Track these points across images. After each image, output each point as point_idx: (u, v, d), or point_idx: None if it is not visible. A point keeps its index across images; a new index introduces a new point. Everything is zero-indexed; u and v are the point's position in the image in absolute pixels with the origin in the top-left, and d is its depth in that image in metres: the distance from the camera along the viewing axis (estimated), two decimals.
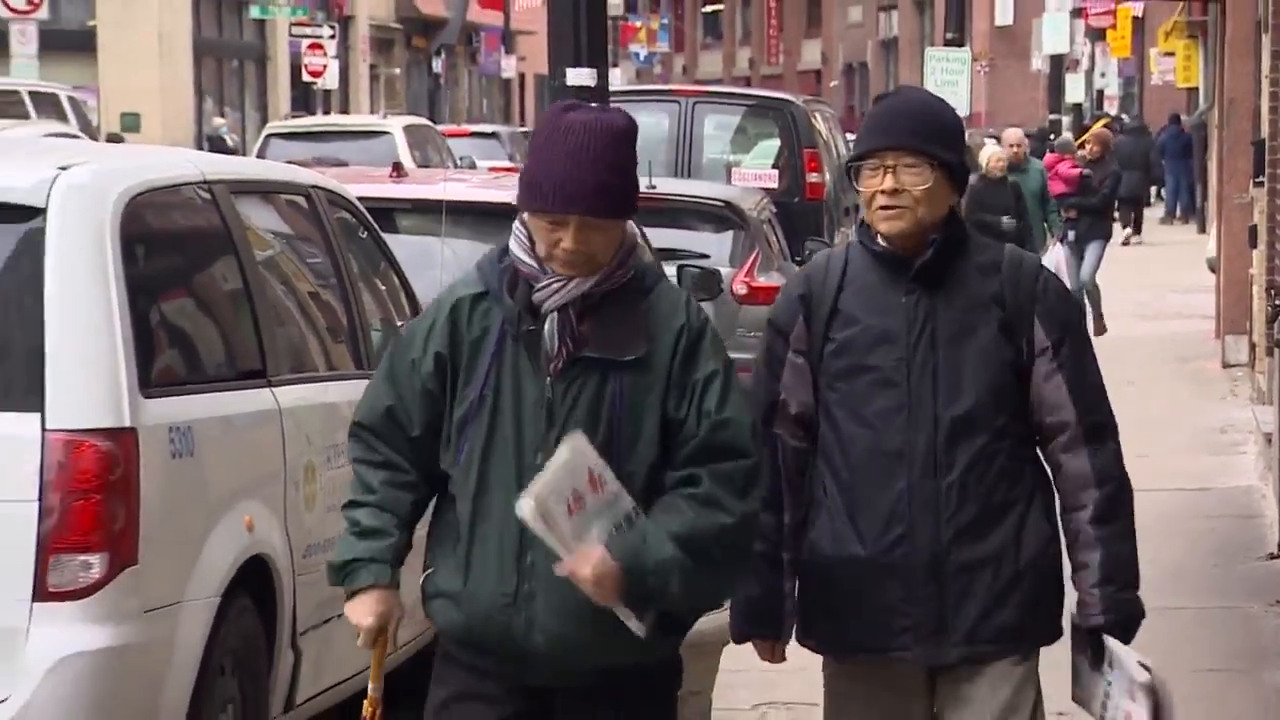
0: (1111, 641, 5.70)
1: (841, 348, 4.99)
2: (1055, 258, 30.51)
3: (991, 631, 4.96)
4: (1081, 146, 33.93)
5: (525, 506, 4.92)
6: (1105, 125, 42.42)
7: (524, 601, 5.15)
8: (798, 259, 25.25)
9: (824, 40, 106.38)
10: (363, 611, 5.31)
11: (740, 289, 19.91)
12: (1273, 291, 15.98)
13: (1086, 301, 30.30)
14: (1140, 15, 50.88)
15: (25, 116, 32.69)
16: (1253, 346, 22.02)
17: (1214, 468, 18.12)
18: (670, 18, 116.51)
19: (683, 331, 5.27)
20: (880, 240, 4.99)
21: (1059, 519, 5.76)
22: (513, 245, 5.23)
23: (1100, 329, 29.95)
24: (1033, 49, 57.48)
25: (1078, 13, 50.20)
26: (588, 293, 5.27)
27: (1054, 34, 50.30)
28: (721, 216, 19.86)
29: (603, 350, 5.24)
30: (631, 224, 5.45)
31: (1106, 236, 31.21)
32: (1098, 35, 54.60)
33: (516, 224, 5.28)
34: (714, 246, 19.08)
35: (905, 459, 4.92)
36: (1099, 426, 5.03)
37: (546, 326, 5.24)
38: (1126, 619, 5.04)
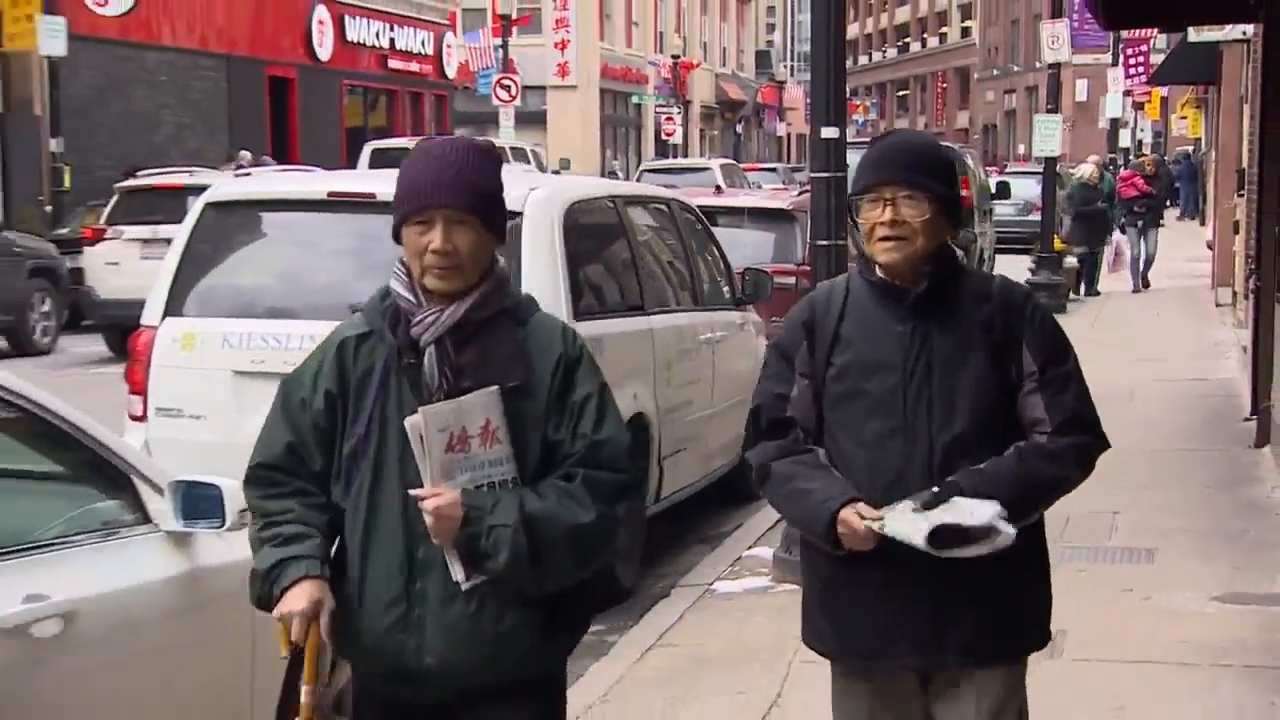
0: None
1: (841, 372, 3.90)
2: (1116, 239, 29.78)
3: (983, 642, 3.87)
4: (1144, 169, 33.12)
5: (412, 419, 3.83)
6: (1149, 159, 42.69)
7: (414, 626, 3.91)
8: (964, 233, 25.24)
9: (970, 110, 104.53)
10: (294, 599, 3.91)
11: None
12: (1249, 260, 16.17)
13: (1143, 264, 29.40)
14: (1165, 95, 52.29)
15: (507, 161, 32.89)
16: (1234, 294, 22.06)
17: (1209, 367, 17.87)
18: (878, 98, 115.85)
19: (560, 360, 4.01)
20: (879, 271, 3.95)
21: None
22: (393, 283, 4.02)
23: (1146, 284, 29.00)
24: (1099, 115, 57.75)
25: (1127, 93, 50.77)
26: (462, 320, 3.96)
27: (1112, 106, 50.51)
28: (778, 220, 16.59)
29: (481, 379, 3.95)
30: (501, 261, 4.18)
31: (1160, 224, 30.35)
32: (1139, 106, 55.93)
33: (397, 262, 4.06)
34: (771, 247, 16.02)
35: (901, 480, 3.85)
36: (1067, 424, 3.86)
37: (425, 359, 3.96)
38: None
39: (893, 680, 4.10)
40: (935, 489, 3.95)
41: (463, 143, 4.08)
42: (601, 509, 3.81)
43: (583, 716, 7.10)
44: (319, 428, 3.95)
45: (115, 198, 23.02)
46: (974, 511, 3.94)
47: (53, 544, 4.89)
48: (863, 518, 3.97)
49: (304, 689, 3.96)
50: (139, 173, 25.44)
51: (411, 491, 3.76)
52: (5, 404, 5.01)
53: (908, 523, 3.96)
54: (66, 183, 28.09)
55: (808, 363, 4.15)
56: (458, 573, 3.75)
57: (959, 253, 3.87)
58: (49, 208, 27.99)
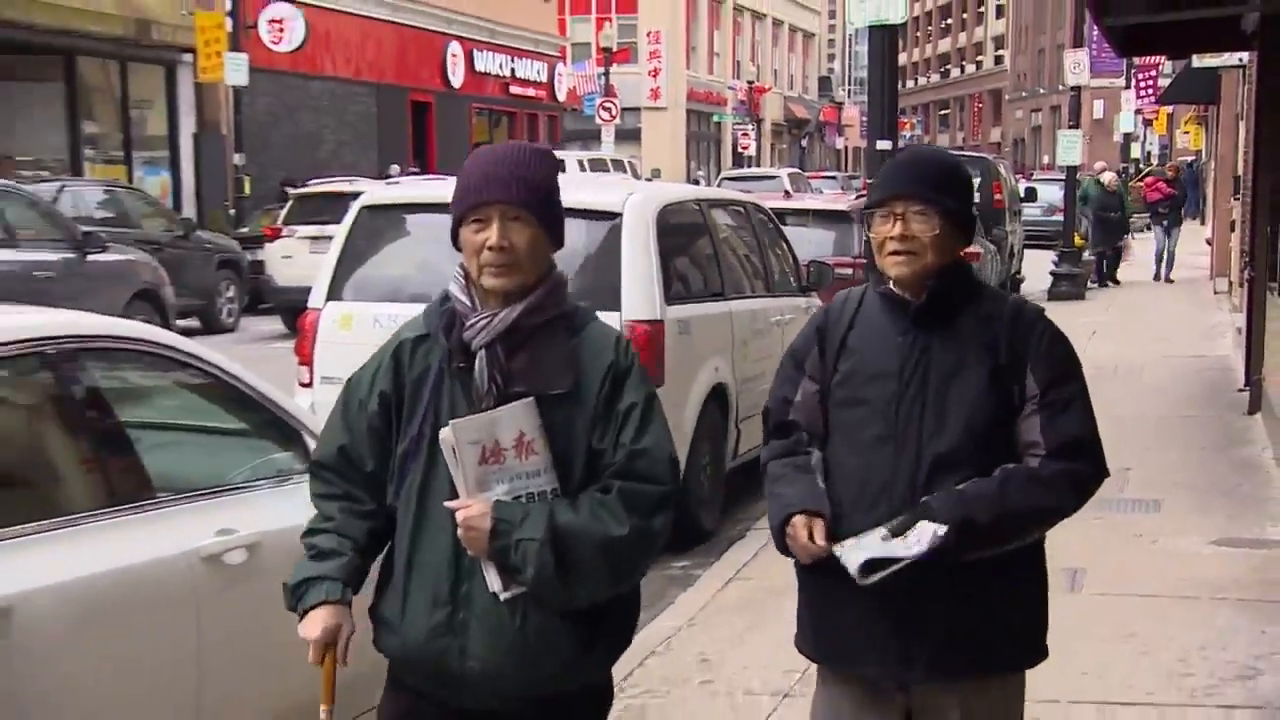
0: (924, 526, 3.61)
1: (844, 379, 3.40)
2: (1126, 239, 29.98)
3: (952, 657, 3.27)
4: (1166, 175, 32.70)
5: (443, 431, 3.32)
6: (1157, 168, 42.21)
7: (459, 629, 3.39)
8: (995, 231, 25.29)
9: (1001, 127, 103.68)
10: (311, 626, 3.53)
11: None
12: (1243, 255, 15.97)
13: (1167, 259, 28.72)
14: (1171, 113, 51.68)
15: (608, 170, 32.67)
16: (1230, 283, 21.91)
17: (1208, 346, 17.67)
18: (923, 117, 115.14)
19: (610, 368, 3.44)
20: (889, 283, 3.43)
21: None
22: (451, 286, 3.49)
23: (1170, 280, 28.23)
24: (1113, 130, 57.25)
25: (1138, 111, 50.11)
26: (514, 325, 3.40)
27: (1125, 123, 50.27)
28: (838, 219, 16.34)
29: (531, 385, 3.41)
30: (559, 268, 3.56)
31: (1180, 223, 29.87)
32: (1148, 122, 55.16)
33: (456, 267, 3.53)
34: (832, 242, 15.66)
35: (888, 489, 3.32)
36: (1065, 446, 3.26)
37: (476, 364, 3.43)
38: (951, 525, 3.16)
39: (875, 688, 3.46)
40: (903, 516, 3.36)
41: (517, 144, 3.55)
42: (636, 522, 3.21)
43: (673, 637, 7.15)
44: (374, 429, 3.47)
45: (290, 202, 23.39)
46: (918, 540, 3.34)
47: (239, 488, 5.02)
48: (817, 536, 3.43)
49: (322, 710, 3.50)
50: (301, 182, 25.94)
51: (446, 503, 3.25)
52: (201, 372, 5.13)
53: (858, 552, 3.39)
54: (247, 190, 28.40)
55: (818, 367, 3.62)
56: (494, 583, 3.22)
57: (975, 269, 3.40)
58: (232, 211, 28.21)
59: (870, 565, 3.33)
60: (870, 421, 3.42)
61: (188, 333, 19.73)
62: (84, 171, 26.70)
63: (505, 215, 3.22)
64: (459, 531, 3.19)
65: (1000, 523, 3.21)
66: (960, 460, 3.28)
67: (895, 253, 3.30)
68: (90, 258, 16.54)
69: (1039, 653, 3.50)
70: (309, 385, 9.00)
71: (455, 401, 3.31)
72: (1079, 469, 3.31)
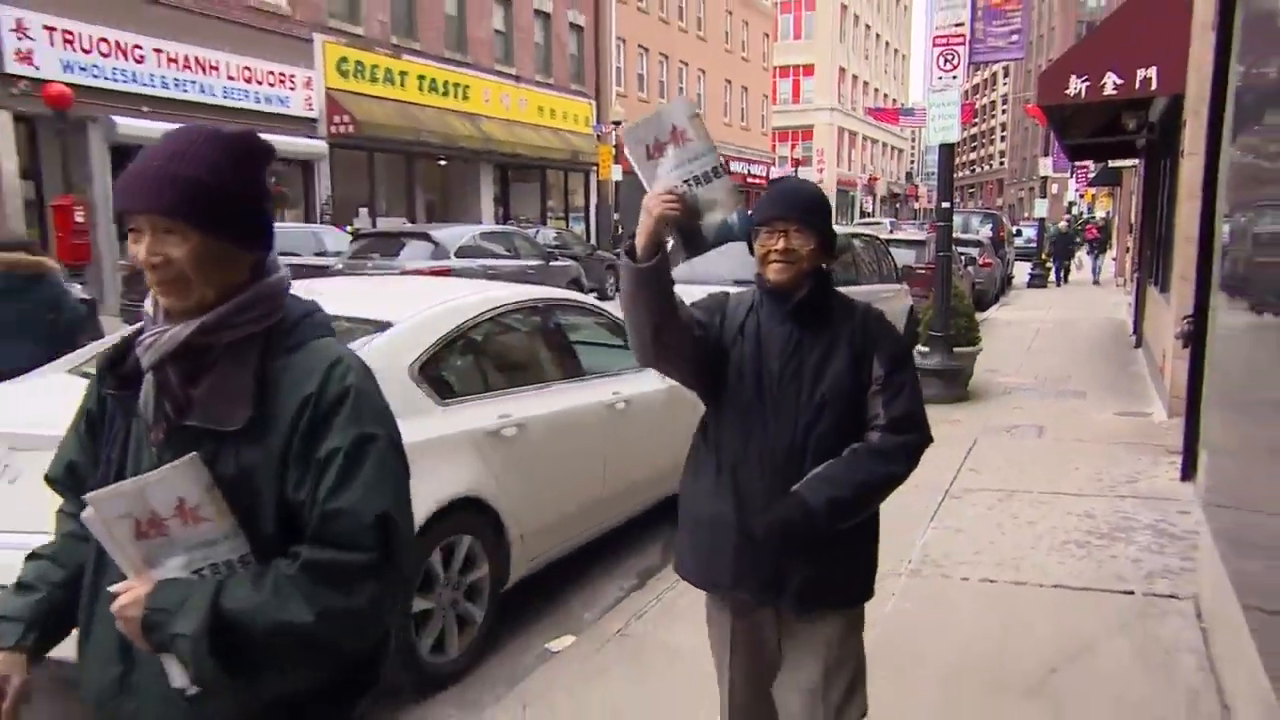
0: None
1: (736, 359, 2.53)
2: (1079, 256, 29.34)
3: (813, 592, 2.51)
4: (1097, 224, 31.58)
5: (85, 511, 1.40)
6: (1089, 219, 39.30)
7: (130, 690, 1.45)
8: (1001, 251, 24.04)
9: (1003, 198, 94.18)
10: None
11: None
12: (1133, 265, 16.58)
13: (1094, 270, 28.00)
14: (1094, 192, 47.42)
15: None
16: (1125, 280, 22.49)
17: (1114, 313, 16.81)
18: (959, 192, 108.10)
19: (310, 400, 1.41)
20: (771, 285, 2.55)
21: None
22: (146, 300, 1.51)
23: (1098, 282, 26.82)
24: (1064, 199, 52.99)
25: (1077, 189, 46.68)
26: (187, 344, 1.42)
27: (1069, 195, 47.35)
28: (917, 244, 15.49)
29: (205, 418, 1.41)
30: (281, 269, 1.53)
31: (1103, 250, 28.87)
32: (1082, 196, 50.57)
33: None
34: (914, 256, 14.78)
35: (768, 455, 2.47)
36: (900, 420, 2.50)
37: (143, 389, 1.46)
38: (802, 514, 2.38)
39: (752, 611, 2.56)
40: (775, 509, 2.36)
41: (190, 130, 1.48)
42: (330, 603, 1.40)
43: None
44: (86, 448, 1.63)
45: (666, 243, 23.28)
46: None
47: (620, 373, 5.07)
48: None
49: None
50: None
51: (109, 588, 1.46)
52: (602, 316, 5.24)
53: None
54: (619, 231, 28.89)
55: (716, 326, 2.52)
56: (176, 678, 1.42)
57: (834, 277, 2.55)
58: (611, 241, 28.99)
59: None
60: (757, 394, 2.43)
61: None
62: (546, 222, 28.34)
63: (156, 228, 1.43)
64: (116, 623, 1.44)
65: (860, 493, 2.35)
66: (827, 429, 2.39)
67: (778, 262, 2.43)
68: (550, 264, 16.90)
69: (868, 593, 2.53)
70: None
71: (139, 433, 1.51)
72: (910, 439, 2.41)
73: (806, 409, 2.39)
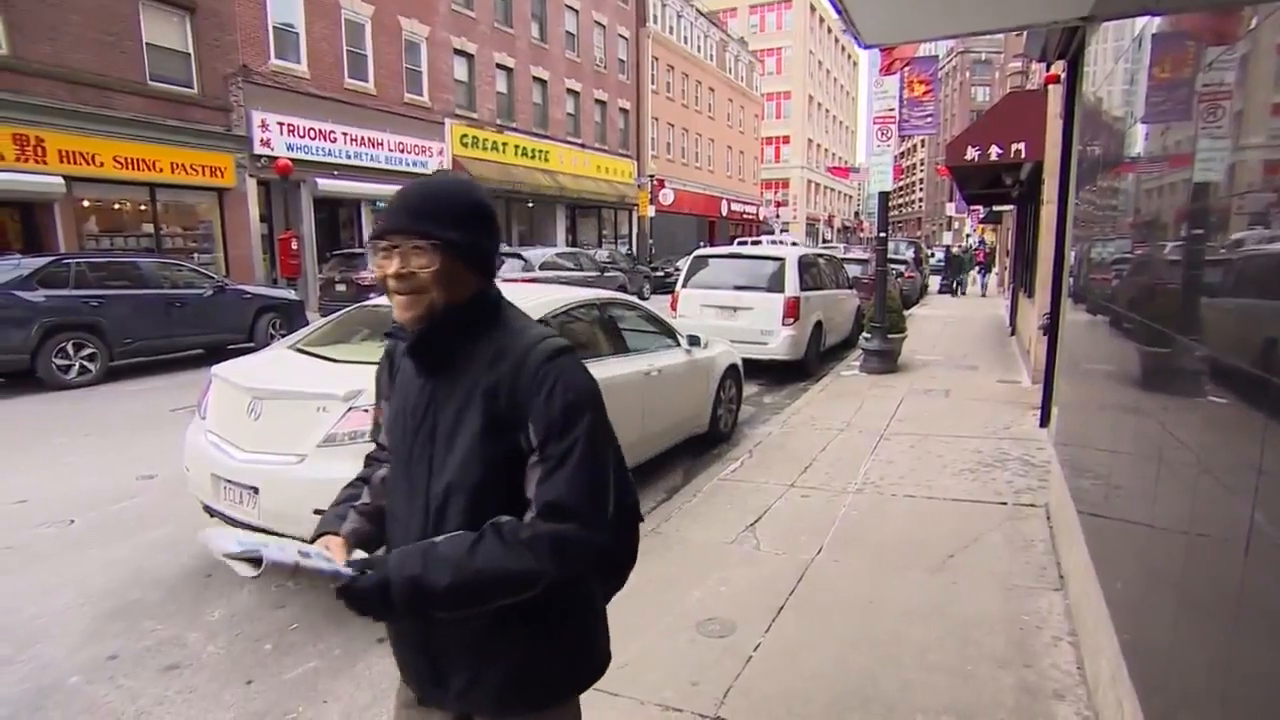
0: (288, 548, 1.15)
1: (388, 415, 1.32)
2: (973, 273, 26.51)
3: (474, 693, 1.26)
4: (985, 248, 30.35)
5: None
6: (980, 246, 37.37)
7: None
8: (921, 267, 21.74)
9: (922, 231, 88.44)
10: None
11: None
12: (1010, 280, 15.57)
13: (982, 286, 26.05)
14: (983, 227, 43.66)
15: (782, 243, 28.30)
16: (1003, 290, 20.98)
17: (995, 312, 16.13)
18: (893, 225, 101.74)
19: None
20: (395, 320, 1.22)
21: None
22: None
23: (984, 294, 24.69)
24: (962, 232, 49.60)
25: (972, 225, 44.01)
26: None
27: (967, 229, 44.62)
28: (862, 262, 14.45)
29: None
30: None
31: (989, 270, 27.58)
32: (975, 229, 46.67)
33: None
34: (861, 269, 13.79)
35: (408, 529, 1.25)
36: (551, 506, 1.16)
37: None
38: (375, 586, 1.12)
39: (420, 712, 1.41)
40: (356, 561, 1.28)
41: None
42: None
43: (801, 410, 6.57)
44: None
45: (689, 260, 22.70)
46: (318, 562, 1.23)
47: (655, 350, 4.88)
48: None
49: None
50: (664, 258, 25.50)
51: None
52: (640, 310, 4.98)
53: (226, 540, 1.21)
54: (654, 253, 28.37)
55: (387, 387, 1.43)
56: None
57: (501, 307, 1.32)
58: (649, 258, 28.31)
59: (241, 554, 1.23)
60: (397, 459, 1.38)
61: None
62: (601, 245, 28.06)
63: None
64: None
65: (468, 582, 1.23)
66: (462, 505, 1.30)
67: (397, 292, 1.28)
68: (604, 274, 16.72)
69: (555, 696, 1.35)
70: (673, 315, 8.40)
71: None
72: (563, 530, 1.24)
73: (437, 488, 1.32)
